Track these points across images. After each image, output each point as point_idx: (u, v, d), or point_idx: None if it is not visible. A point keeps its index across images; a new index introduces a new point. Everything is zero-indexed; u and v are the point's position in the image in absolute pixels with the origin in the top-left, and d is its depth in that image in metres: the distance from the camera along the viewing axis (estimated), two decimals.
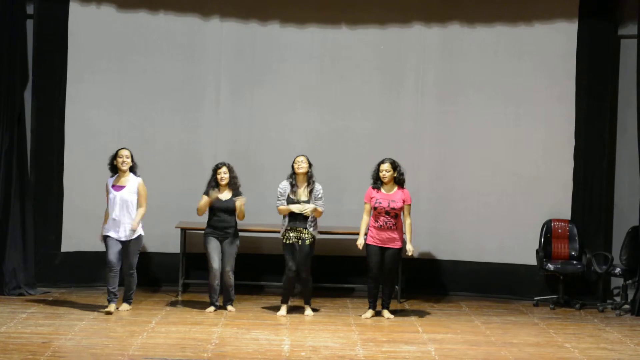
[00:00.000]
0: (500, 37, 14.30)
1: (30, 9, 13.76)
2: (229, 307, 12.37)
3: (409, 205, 12.11)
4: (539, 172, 14.10)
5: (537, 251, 13.76)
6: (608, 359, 10.30)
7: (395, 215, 11.98)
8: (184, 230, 13.51)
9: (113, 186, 11.97)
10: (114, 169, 12.06)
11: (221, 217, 12.32)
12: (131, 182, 11.99)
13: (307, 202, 12.21)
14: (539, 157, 14.14)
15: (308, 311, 12.37)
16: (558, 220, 13.91)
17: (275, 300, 13.21)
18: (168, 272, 13.75)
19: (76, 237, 14.06)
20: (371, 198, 12.11)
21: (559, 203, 14.00)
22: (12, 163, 13.23)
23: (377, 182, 12.17)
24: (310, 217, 12.22)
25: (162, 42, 14.35)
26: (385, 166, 12.10)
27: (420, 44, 14.51)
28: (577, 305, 13.40)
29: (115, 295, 11.98)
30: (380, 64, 14.57)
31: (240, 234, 13.28)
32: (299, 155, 12.37)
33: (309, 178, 12.31)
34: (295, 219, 12.24)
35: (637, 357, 10.43)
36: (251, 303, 13.08)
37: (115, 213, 11.88)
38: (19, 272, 13.22)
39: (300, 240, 12.23)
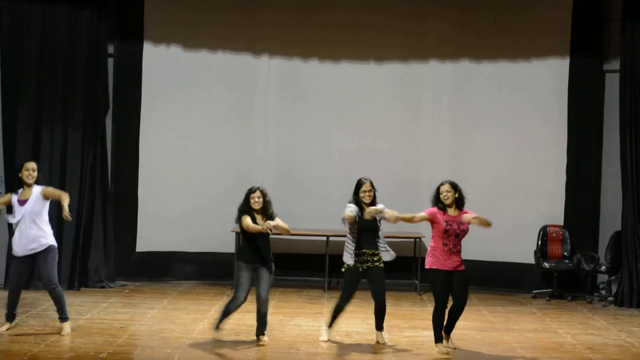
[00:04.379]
0: (503, 72, 14.27)
1: (111, 49, 13.86)
2: (263, 338, 9.76)
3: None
4: (537, 185, 14.05)
5: (535, 252, 13.71)
6: (595, 342, 10.27)
7: (462, 238, 9.54)
8: (238, 234, 13.50)
9: (18, 201, 9.66)
10: (20, 183, 9.77)
11: (256, 243, 9.69)
12: (34, 193, 9.67)
13: (375, 221, 9.68)
14: (537, 173, 14.09)
15: (381, 337, 9.94)
16: (553, 225, 13.84)
17: (314, 292, 13.23)
18: (225, 268, 13.73)
19: (148, 239, 14.14)
20: (436, 217, 9.49)
21: (553, 211, 13.93)
22: (95, 177, 13.32)
23: (439, 203, 9.56)
24: (381, 239, 9.79)
25: (220, 76, 14.40)
26: (446, 187, 9.59)
27: (436, 78, 14.50)
28: (569, 298, 13.34)
29: (14, 315, 9.87)
30: (402, 94, 14.56)
31: (285, 237, 13.31)
32: (364, 183, 9.77)
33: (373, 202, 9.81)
34: (365, 244, 9.66)
35: (620, 341, 10.42)
36: (295, 295, 13.09)
37: (22, 228, 9.60)
38: (101, 268, 13.31)
39: (368, 267, 9.66)
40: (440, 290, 9.46)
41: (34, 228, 9.63)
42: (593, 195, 13.91)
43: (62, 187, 12.88)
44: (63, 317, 9.82)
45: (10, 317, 9.86)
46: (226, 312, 9.72)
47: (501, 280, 14.10)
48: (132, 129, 14.10)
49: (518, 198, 14.11)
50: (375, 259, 9.66)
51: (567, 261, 13.58)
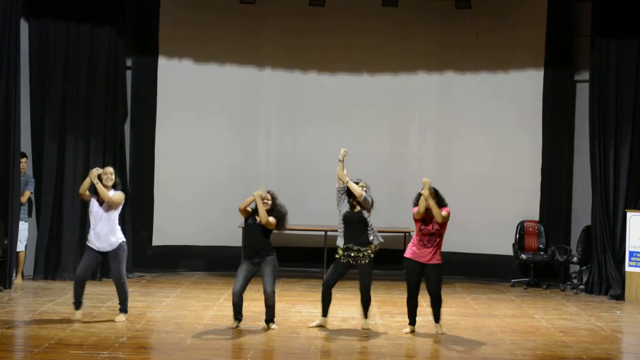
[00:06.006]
0: (484, 82, 14.32)
1: (129, 63, 13.88)
2: (272, 325, 9.69)
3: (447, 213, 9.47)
4: (514, 184, 14.09)
5: (513, 245, 13.73)
6: (568, 326, 10.29)
7: (439, 235, 9.51)
8: (244, 229, 13.47)
9: (97, 201, 9.70)
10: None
11: (257, 238, 9.67)
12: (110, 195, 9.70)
13: (360, 212, 9.67)
14: (514, 173, 14.13)
15: (366, 324, 9.84)
16: (529, 221, 13.86)
17: (314, 282, 13.20)
18: (232, 261, 13.69)
19: (163, 234, 14.16)
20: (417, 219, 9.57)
21: (529, 208, 13.96)
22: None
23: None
24: (369, 230, 9.66)
25: (227, 87, 14.43)
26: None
27: (423, 87, 14.54)
28: (544, 286, 13.35)
29: (81, 303, 9.85)
30: (393, 101, 14.60)
31: (286, 232, 13.32)
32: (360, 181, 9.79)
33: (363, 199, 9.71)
34: (352, 236, 9.66)
35: (590, 325, 10.43)
36: (296, 284, 13.08)
37: (98, 227, 9.68)
38: None
39: (354, 260, 9.63)
40: (408, 278, 9.62)
41: (107, 227, 9.69)
42: (565, 194, 13.93)
43: None
44: (123, 309, 9.88)
45: (78, 305, 9.82)
46: (233, 305, 9.67)
47: (483, 271, 14.12)
48: (148, 135, 14.12)
49: (498, 196, 14.15)
50: (361, 255, 9.61)
51: (542, 253, 13.60)
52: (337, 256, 9.77)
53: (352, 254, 9.64)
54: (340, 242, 9.76)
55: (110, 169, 9.89)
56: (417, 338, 9.43)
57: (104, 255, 9.80)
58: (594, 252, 12.94)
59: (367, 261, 9.63)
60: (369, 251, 9.65)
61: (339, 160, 9.85)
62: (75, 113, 13.10)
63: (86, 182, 9.72)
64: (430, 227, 9.52)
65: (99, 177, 9.72)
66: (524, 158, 14.08)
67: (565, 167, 13.91)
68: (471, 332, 9.81)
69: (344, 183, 9.80)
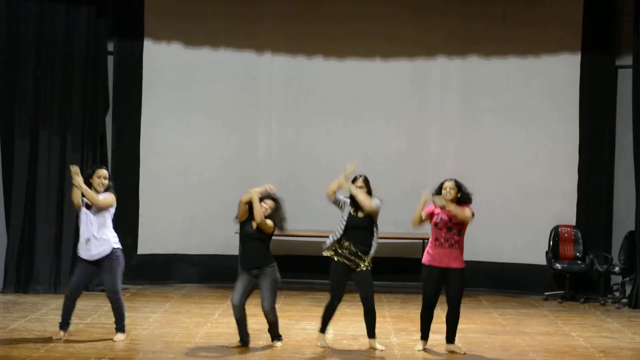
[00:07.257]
0: (513, 68, 14.25)
1: (110, 47, 13.83)
2: (277, 343, 9.70)
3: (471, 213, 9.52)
4: (547, 183, 14.04)
5: (547, 252, 13.68)
6: (609, 345, 10.22)
7: (458, 232, 9.41)
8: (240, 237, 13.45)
9: (86, 206, 9.57)
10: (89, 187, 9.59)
11: (255, 248, 9.59)
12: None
13: (365, 218, 9.52)
14: (548, 171, 14.08)
15: (378, 345, 9.69)
16: (564, 225, 13.80)
17: (320, 295, 13.13)
18: (228, 271, 13.68)
19: (150, 241, 14.11)
20: (432, 214, 9.54)
21: (565, 211, 13.91)
22: None
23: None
24: (371, 238, 9.53)
25: (222, 74, 14.37)
26: (450, 184, 9.53)
27: (444, 75, 14.46)
28: (582, 300, 13.29)
29: (69, 324, 9.80)
30: (409, 91, 14.53)
31: (289, 238, 13.27)
32: (357, 179, 9.67)
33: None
34: (354, 237, 9.50)
35: (635, 344, 10.37)
36: (300, 298, 13.03)
37: (88, 233, 9.56)
38: None
39: (353, 263, 9.48)
40: (425, 287, 9.56)
41: (98, 233, 9.56)
42: (606, 195, 13.88)
43: (60, 189, 12.95)
44: (119, 328, 9.82)
45: (66, 325, 9.73)
46: (236, 319, 9.59)
47: (512, 282, 14.07)
48: (133, 128, 14.07)
49: (528, 197, 14.10)
50: (360, 261, 9.43)
51: (579, 262, 13.54)
52: (331, 254, 9.57)
53: (352, 257, 9.45)
54: (329, 242, 9.59)
55: (104, 172, 9.74)
56: (436, 358, 9.37)
57: (97, 264, 9.64)
58: (639, 260, 12.88)
59: (365, 269, 9.45)
60: (367, 262, 9.49)
61: (344, 175, 9.59)
62: (49, 104, 13.07)
63: (76, 191, 9.52)
64: (447, 219, 9.42)
65: (88, 182, 9.59)
66: (559, 154, 14.04)
67: (605, 165, 13.86)
68: (499, 352, 9.75)
69: (334, 194, 9.59)
